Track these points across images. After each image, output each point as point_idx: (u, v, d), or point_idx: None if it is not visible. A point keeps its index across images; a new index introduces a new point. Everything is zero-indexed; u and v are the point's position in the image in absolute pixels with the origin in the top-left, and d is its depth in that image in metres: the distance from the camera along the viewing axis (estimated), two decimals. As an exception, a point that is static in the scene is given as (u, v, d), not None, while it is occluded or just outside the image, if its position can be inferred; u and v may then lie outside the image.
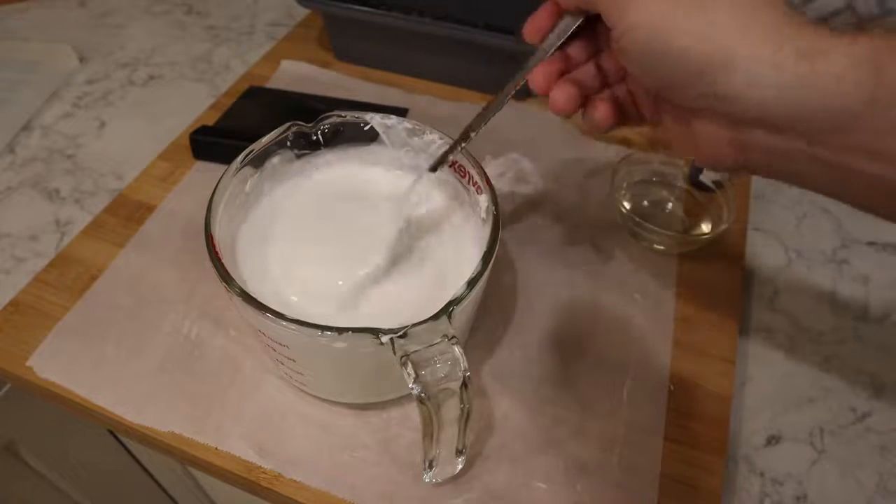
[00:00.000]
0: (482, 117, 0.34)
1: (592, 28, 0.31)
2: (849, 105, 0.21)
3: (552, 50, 0.31)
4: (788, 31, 0.22)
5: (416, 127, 0.40)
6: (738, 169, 0.27)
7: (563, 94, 0.32)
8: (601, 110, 0.32)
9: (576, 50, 0.33)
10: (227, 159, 0.37)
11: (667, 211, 0.51)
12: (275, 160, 0.39)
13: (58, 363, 0.40)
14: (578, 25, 0.30)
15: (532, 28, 0.31)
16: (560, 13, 0.31)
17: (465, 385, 0.28)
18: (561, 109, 0.32)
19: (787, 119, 0.23)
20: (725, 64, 0.23)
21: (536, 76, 0.32)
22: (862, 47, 0.21)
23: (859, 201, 0.24)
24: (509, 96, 0.33)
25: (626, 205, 0.49)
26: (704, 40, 0.23)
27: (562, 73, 0.33)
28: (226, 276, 0.31)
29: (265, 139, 0.38)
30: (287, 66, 0.63)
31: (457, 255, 0.37)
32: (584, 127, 0.33)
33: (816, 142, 0.23)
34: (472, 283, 0.31)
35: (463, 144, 0.36)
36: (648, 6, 0.25)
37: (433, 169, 0.37)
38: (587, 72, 0.33)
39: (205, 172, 0.52)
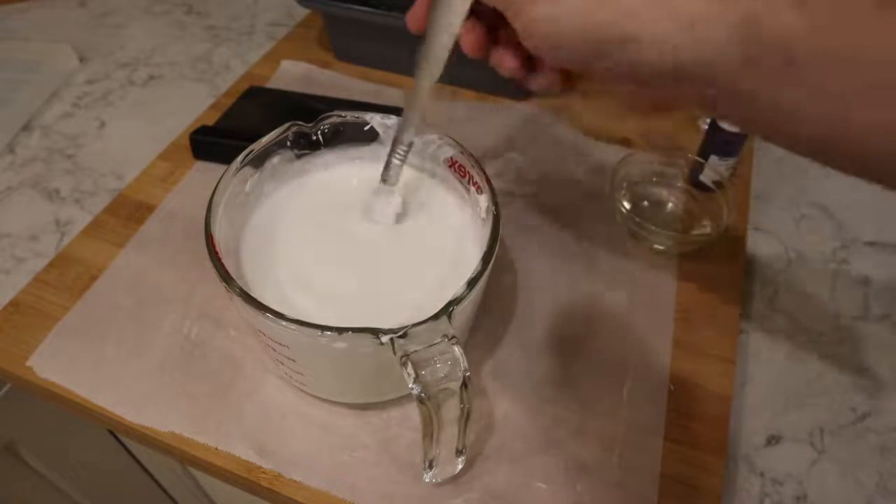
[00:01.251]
0: (406, 122, 0.35)
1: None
2: (729, 66, 0.23)
3: (455, 31, 0.31)
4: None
5: (416, 127, 0.40)
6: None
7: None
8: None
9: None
10: (227, 159, 0.37)
11: (667, 211, 0.51)
12: (275, 160, 0.39)
13: (58, 363, 0.40)
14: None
15: (413, 19, 0.31)
16: None
17: (465, 385, 0.28)
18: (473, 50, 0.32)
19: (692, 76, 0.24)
20: (625, 39, 0.25)
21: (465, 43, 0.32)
22: (735, 12, 0.22)
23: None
24: (425, 90, 0.33)
25: (626, 205, 0.49)
26: (602, 21, 0.25)
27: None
28: (226, 276, 0.31)
29: (265, 139, 0.38)
30: (287, 66, 0.63)
31: (457, 255, 0.38)
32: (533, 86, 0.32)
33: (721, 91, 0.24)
34: (472, 283, 0.31)
35: (401, 153, 0.37)
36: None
37: (385, 180, 0.38)
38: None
39: (205, 172, 0.52)
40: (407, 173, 0.42)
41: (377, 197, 0.39)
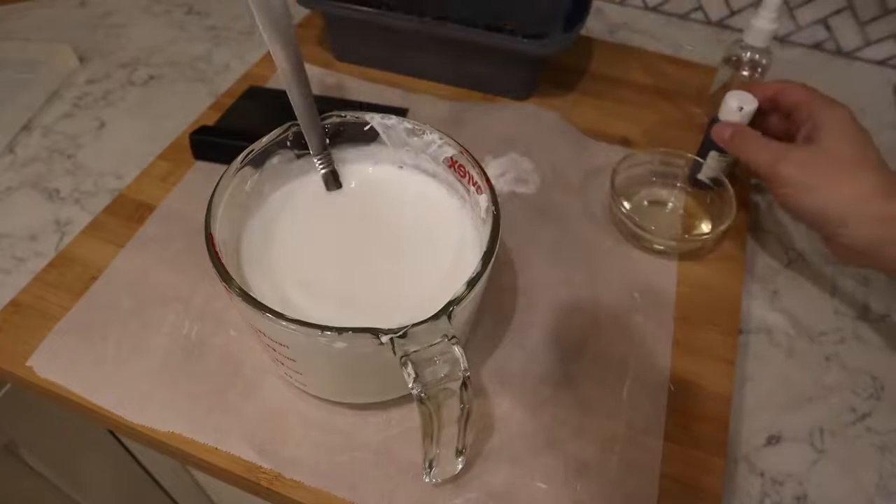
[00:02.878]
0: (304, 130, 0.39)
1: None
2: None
3: None
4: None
5: (416, 127, 0.40)
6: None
7: None
8: None
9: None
10: (227, 159, 0.37)
11: (667, 211, 0.51)
12: (275, 160, 0.39)
13: (58, 363, 0.40)
14: None
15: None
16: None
17: (465, 385, 0.28)
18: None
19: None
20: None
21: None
22: None
23: None
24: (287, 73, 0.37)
25: (626, 205, 0.49)
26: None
27: None
28: (226, 276, 0.31)
29: (265, 139, 0.38)
30: (287, 66, 0.63)
31: (457, 255, 0.38)
32: None
33: None
34: (472, 283, 0.31)
35: (319, 162, 0.40)
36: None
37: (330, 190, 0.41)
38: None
39: (205, 172, 0.52)
40: (407, 173, 0.42)
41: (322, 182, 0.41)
